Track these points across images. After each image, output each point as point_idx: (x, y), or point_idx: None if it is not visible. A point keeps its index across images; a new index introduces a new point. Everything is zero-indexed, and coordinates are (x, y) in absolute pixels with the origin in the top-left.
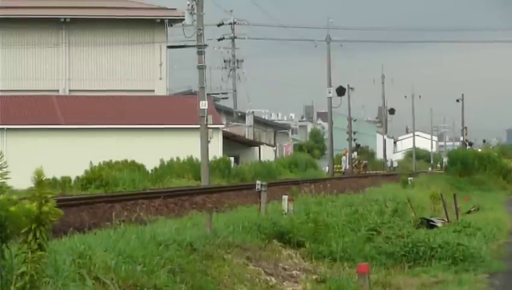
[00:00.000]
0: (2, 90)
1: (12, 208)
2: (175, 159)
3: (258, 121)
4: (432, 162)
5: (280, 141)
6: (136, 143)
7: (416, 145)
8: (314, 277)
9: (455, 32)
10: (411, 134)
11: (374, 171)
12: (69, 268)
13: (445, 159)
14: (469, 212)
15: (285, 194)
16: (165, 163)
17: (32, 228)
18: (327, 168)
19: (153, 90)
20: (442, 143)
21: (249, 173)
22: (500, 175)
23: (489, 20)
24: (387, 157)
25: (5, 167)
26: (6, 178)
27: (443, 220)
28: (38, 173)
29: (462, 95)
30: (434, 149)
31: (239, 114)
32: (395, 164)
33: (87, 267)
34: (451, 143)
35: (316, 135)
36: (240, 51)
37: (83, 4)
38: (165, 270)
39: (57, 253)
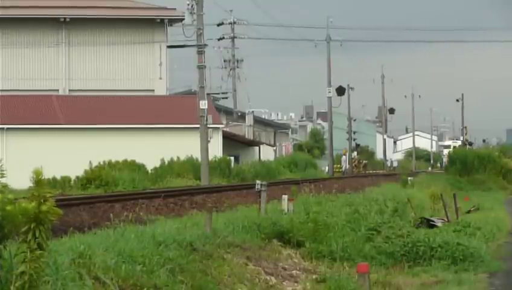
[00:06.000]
0: (2, 90)
1: (8, 207)
2: (175, 159)
3: (258, 121)
4: (431, 161)
5: (280, 140)
6: (136, 143)
7: (416, 145)
8: (314, 276)
9: (455, 32)
10: (411, 134)
11: (374, 171)
12: (69, 268)
13: (444, 159)
14: (469, 212)
15: (285, 194)
16: (165, 163)
17: (32, 227)
18: (327, 167)
19: (153, 90)
20: (442, 143)
21: (248, 172)
22: (500, 175)
23: (489, 20)
24: (387, 157)
25: (1, 166)
26: (3, 176)
27: (443, 219)
28: (37, 173)
29: (462, 94)
30: (434, 149)
31: (239, 114)
32: (395, 164)
33: (86, 267)
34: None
35: (315, 135)
36: (240, 51)
37: (82, 4)
38: (165, 270)
39: (57, 253)
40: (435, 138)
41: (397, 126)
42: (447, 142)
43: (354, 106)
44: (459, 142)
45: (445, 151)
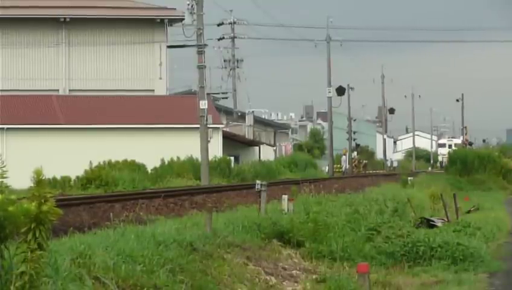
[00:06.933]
0: (2, 90)
1: (10, 208)
2: (175, 159)
3: (258, 121)
4: (431, 161)
5: (280, 140)
6: (136, 143)
7: (416, 145)
8: (314, 276)
9: (455, 32)
10: (411, 134)
11: (374, 171)
12: (69, 268)
13: (440, 158)
14: (469, 212)
15: (285, 194)
16: (165, 163)
17: (32, 227)
18: (327, 167)
19: (153, 90)
20: (439, 141)
21: (248, 172)
22: (500, 175)
23: (489, 20)
24: (387, 157)
25: (4, 167)
26: (4, 177)
27: (443, 219)
28: (38, 173)
29: (462, 94)
30: (434, 149)
31: (239, 114)
32: (395, 164)
33: (86, 267)
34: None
35: (315, 135)
36: (240, 51)
37: (82, 4)
38: (165, 270)
39: (57, 253)
40: (435, 138)
41: (397, 126)
42: (441, 141)
43: (354, 106)
44: (455, 141)
45: (441, 150)
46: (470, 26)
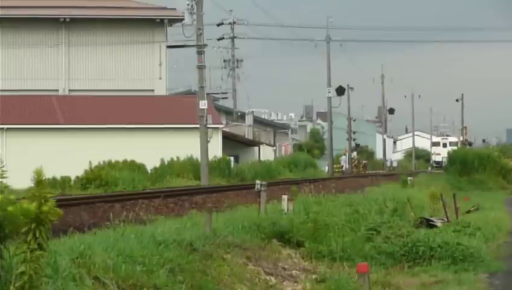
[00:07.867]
0: (2, 90)
1: (10, 208)
2: (175, 159)
3: (258, 121)
4: (431, 161)
5: (280, 140)
6: (136, 143)
7: (416, 145)
8: (313, 276)
9: (455, 32)
10: (411, 134)
11: (374, 171)
12: (69, 268)
13: (434, 157)
14: (469, 212)
15: (285, 194)
16: (165, 163)
17: (32, 227)
18: (327, 167)
19: (153, 90)
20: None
21: (248, 172)
22: (500, 175)
23: (489, 20)
24: (387, 157)
25: (3, 167)
26: (4, 177)
27: (443, 219)
28: (38, 173)
29: (462, 94)
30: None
31: (239, 114)
32: (395, 164)
33: (86, 267)
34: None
35: (315, 135)
36: (240, 51)
37: (82, 4)
38: (164, 270)
39: (57, 253)
40: (434, 138)
41: (397, 126)
42: (435, 139)
43: (354, 106)
44: (450, 139)
45: (435, 149)
46: (470, 26)
